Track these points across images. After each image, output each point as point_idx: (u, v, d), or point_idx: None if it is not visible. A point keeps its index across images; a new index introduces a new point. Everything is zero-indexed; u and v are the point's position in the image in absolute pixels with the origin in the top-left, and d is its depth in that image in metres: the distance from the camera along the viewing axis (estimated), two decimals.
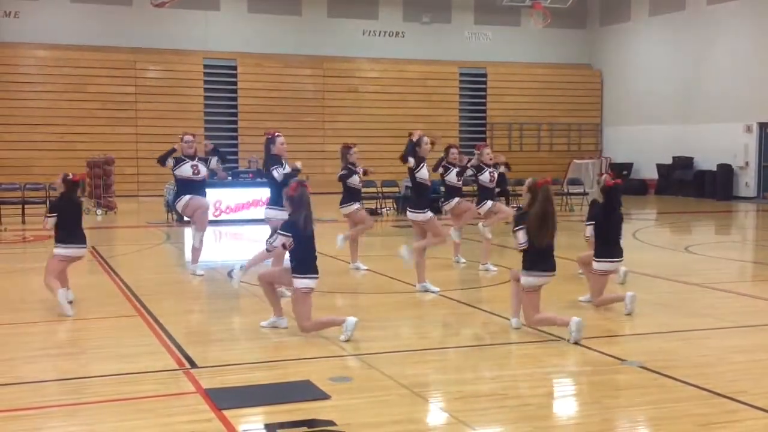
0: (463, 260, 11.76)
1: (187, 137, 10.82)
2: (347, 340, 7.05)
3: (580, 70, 31.27)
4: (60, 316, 8.17)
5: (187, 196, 10.71)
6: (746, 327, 7.97)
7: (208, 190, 11.08)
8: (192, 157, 10.73)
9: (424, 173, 9.62)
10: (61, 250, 8.56)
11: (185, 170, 10.65)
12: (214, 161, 10.93)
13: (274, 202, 9.17)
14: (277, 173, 9.16)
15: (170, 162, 10.62)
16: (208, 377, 6.07)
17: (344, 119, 27.99)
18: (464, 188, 11.63)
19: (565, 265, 9.37)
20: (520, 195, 11.62)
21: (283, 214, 8.16)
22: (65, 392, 5.79)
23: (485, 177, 11.30)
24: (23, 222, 17.60)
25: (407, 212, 9.88)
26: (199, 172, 10.70)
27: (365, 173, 11.42)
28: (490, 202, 11.32)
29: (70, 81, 25.27)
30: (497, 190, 12.04)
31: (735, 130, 25.47)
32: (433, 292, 9.40)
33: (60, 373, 6.23)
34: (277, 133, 9.51)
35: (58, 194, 8.63)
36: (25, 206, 18.14)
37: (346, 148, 11.40)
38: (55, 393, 5.79)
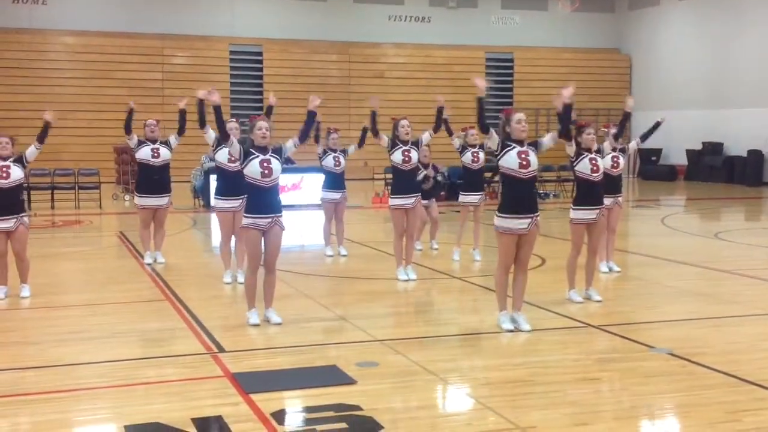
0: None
1: (150, 121, 10.62)
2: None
3: (608, 54, 30.96)
4: (88, 301, 8.25)
5: (148, 199, 10.38)
6: None
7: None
8: (154, 141, 10.48)
9: (397, 156, 9.38)
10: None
11: (144, 152, 10.35)
12: (173, 139, 10.63)
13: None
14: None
15: (134, 140, 10.36)
16: (236, 361, 6.11)
17: (370, 105, 27.90)
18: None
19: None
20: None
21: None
22: (94, 375, 5.85)
23: (467, 157, 10.82)
24: (52, 207, 17.77)
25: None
26: (158, 155, 10.40)
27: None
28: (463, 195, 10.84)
29: (97, 67, 25.43)
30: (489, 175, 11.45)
31: (766, 116, 25.10)
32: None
33: (89, 357, 6.29)
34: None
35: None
36: (55, 192, 18.31)
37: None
38: (84, 376, 5.85)
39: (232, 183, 9.01)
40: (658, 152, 28.74)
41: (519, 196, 6.98)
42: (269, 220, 7.10)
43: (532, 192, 7.13)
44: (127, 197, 19.76)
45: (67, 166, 20.32)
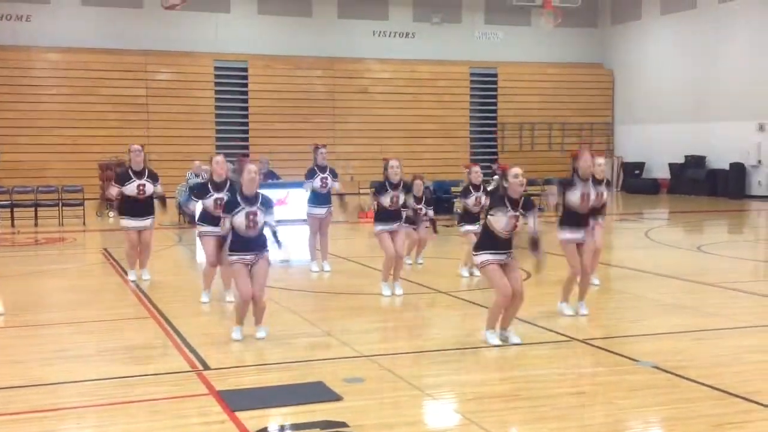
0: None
1: (135, 147, 10.43)
2: None
3: (591, 69, 31.18)
4: (72, 319, 8.20)
5: (132, 222, 10.35)
6: (760, 327, 7.93)
7: None
8: (140, 174, 10.31)
9: (385, 200, 9.36)
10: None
11: (131, 189, 10.27)
12: (159, 188, 10.47)
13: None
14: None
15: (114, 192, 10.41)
16: (221, 379, 6.09)
17: (355, 120, 28.00)
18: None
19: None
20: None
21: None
22: (78, 394, 5.81)
23: (470, 201, 10.35)
24: (36, 224, 17.67)
25: None
26: (144, 193, 10.32)
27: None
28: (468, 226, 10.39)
29: (81, 84, 25.37)
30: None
31: (747, 129, 25.34)
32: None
33: (73, 375, 6.25)
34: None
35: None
36: (38, 209, 18.21)
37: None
38: (69, 395, 5.81)
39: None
40: (641, 166, 28.93)
41: (499, 241, 7.06)
42: (253, 256, 7.21)
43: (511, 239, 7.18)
44: (111, 214, 19.68)
45: (50, 182, 20.22)
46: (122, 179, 10.40)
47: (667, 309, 8.76)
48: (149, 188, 10.39)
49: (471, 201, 10.33)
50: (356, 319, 8.32)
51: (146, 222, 10.45)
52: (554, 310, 8.28)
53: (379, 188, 9.40)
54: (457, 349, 7.07)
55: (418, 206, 10.93)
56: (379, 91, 28.47)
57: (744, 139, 25.31)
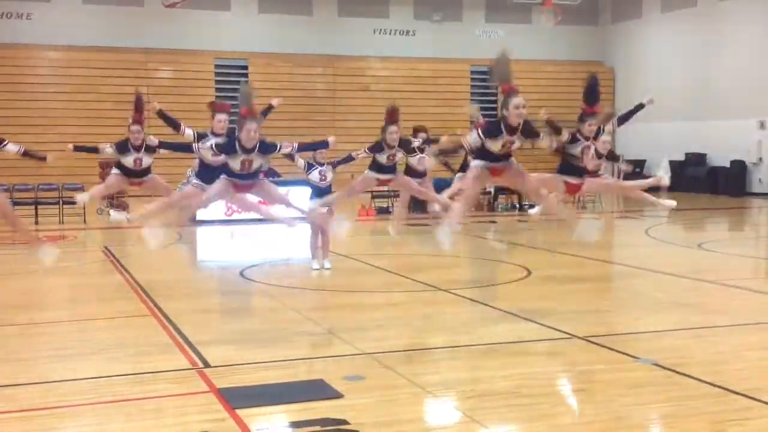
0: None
1: (134, 127, 10.33)
2: None
3: (591, 67, 31.03)
4: (72, 317, 8.20)
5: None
6: (760, 324, 7.92)
7: None
8: (138, 149, 10.24)
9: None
10: None
11: (127, 161, 10.23)
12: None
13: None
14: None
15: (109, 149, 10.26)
16: (222, 377, 6.09)
17: (355, 118, 28.00)
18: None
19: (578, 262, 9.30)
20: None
21: None
22: (78, 392, 5.81)
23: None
24: (36, 222, 17.68)
25: None
26: (140, 165, 10.25)
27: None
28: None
29: (82, 82, 25.38)
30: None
31: (748, 126, 25.33)
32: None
33: (73, 373, 6.25)
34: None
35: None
36: (38, 207, 18.22)
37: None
38: (69, 393, 5.81)
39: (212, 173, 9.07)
40: (641, 163, 28.90)
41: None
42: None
43: None
44: (112, 212, 19.67)
45: (51, 180, 20.23)
46: (120, 149, 10.23)
47: (667, 306, 8.76)
48: (146, 161, 10.29)
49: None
50: (357, 317, 8.32)
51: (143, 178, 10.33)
52: (554, 307, 8.27)
53: (375, 147, 9.40)
54: (457, 346, 7.07)
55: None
56: (380, 89, 28.47)
57: (745, 136, 25.31)
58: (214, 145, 8.72)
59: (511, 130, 7.08)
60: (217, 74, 27.03)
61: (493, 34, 30.00)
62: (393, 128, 9.13)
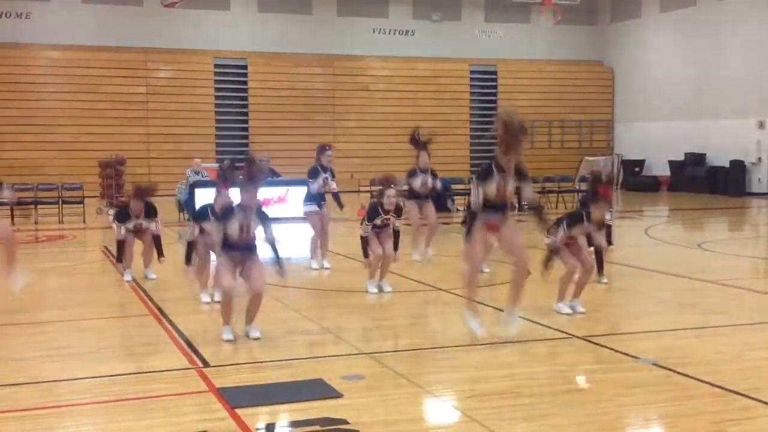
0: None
1: (135, 202, 10.22)
2: None
3: (591, 66, 31.17)
4: (72, 317, 8.19)
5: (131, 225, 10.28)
6: (760, 324, 7.92)
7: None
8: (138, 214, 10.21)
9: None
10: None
11: (127, 227, 10.22)
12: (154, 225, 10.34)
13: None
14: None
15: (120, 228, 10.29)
16: (221, 376, 6.08)
17: (355, 118, 28.00)
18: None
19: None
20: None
21: None
22: (77, 392, 5.81)
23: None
24: (36, 222, 17.67)
25: None
26: (141, 229, 10.27)
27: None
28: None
29: (81, 81, 25.37)
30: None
31: (747, 126, 25.33)
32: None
33: (72, 373, 6.25)
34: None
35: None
36: (38, 206, 18.21)
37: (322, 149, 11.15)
38: (68, 393, 5.80)
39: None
40: (641, 163, 28.93)
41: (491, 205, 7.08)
42: (240, 253, 7.13)
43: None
44: (111, 212, 19.67)
45: (50, 180, 20.23)
46: (120, 217, 10.28)
47: (667, 306, 8.76)
48: (145, 226, 10.29)
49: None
50: (356, 316, 8.32)
51: (151, 225, 10.33)
52: (554, 306, 8.26)
53: (371, 214, 9.29)
54: (457, 346, 7.07)
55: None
56: (379, 88, 28.47)
57: (744, 136, 25.31)
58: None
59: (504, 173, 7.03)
60: (217, 74, 27.02)
61: (492, 33, 30.00)
62: (391, 192, 9.12)
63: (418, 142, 11.08)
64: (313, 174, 11.13)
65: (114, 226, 10.55)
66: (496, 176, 6.99)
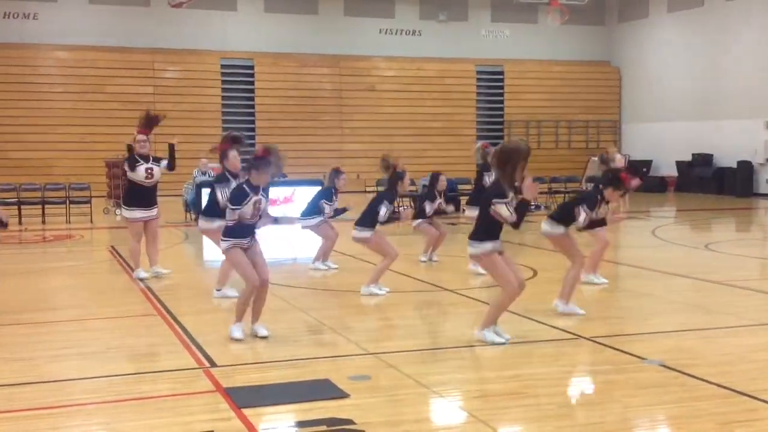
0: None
1: (140, 136, 10.49)
2: None
3: (598, 67, 31.12)
4: (79, 316, 8.21)
5: (138, 212, 10.41)
6: (767, 325, 7.90)
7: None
8: (146, 158, 10.44)
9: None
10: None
11: (140, 174, 10.34)
12: (162, 164, 10.56)
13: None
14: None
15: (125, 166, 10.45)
16: (228, 376, 6.09)
17: (361, 118, 28.01)
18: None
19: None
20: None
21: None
22: (85, 391, 5.83)
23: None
24: (43, 222, 17.72)
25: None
26: (152, 176, 10.42)
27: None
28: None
29: (88, 82, 25.45)
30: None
31: (755, 127, 25.25)
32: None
33: (80, 372, 6.27)
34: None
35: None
36: (45, 206, 18.26)
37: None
38: (75, 392, 5.82)
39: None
40: (648, 164, 28.86)
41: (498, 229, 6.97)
42: (249, 239, 7.18)
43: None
44: (118, 212, 19.71)
45: (57, 180, 20.28)
46: (131, 163, 10.40)
47: (674, 307, 8.74)
48: (157, 172, 10.46)
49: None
50: (363, 317, 8.33)
51: (152, 212, 10.50)
52: (559, 308, 8.25)
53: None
54: (463, 346, 7.06)
55: (440, 200, 11.52)
56: (386, 88, 28.47)
57: (751, 137, 25.23)
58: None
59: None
60: (224, 74, 27.07)
61: (499, 33, 29.98)
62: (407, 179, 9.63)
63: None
64: (328, 197, 11.06)
65: (126, 167, 10.62)
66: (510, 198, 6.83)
